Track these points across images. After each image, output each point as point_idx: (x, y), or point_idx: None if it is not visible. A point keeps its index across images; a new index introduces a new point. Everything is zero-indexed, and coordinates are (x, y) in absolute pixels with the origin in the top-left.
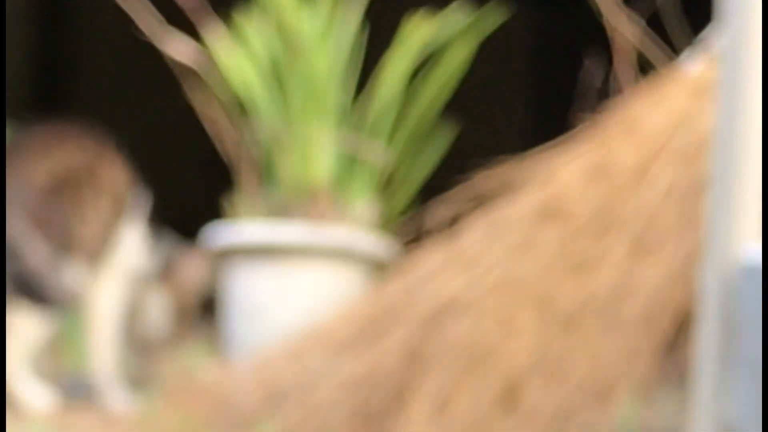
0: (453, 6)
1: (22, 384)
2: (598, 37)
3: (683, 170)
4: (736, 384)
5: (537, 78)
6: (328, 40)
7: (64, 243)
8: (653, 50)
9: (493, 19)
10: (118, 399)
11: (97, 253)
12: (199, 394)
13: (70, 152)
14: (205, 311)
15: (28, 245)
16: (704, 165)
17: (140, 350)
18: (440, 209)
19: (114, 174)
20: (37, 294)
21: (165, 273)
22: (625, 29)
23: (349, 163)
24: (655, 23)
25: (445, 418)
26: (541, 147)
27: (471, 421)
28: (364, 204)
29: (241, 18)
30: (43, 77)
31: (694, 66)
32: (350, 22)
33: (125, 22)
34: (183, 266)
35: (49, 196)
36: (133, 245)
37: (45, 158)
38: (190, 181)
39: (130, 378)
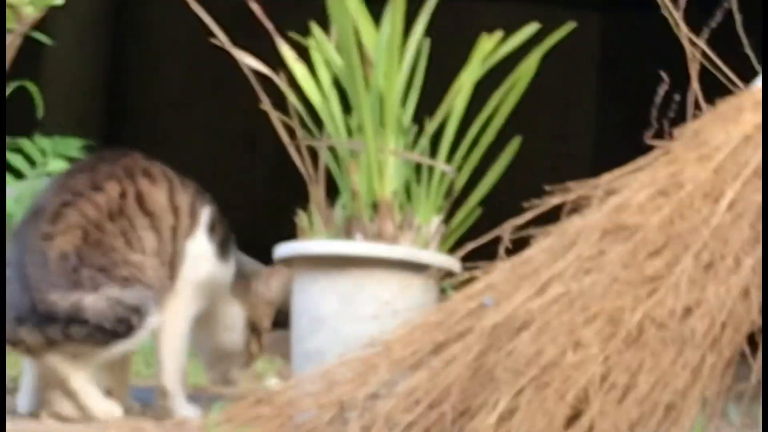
0: (523, 18)
1: (90, 395)
2: (671, 54)
3: (754, 188)
4: None
5: (607, 93)
6: (399, 52)
7: (127, 276)
8: (726, 68)
9: (564, 32)
10: (184, 410)
11: (162, 275)
12: (265, 406)
13: (100, 195)
14: (281, 324)
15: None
16: None
17: (215, 361)
18: (507, 223)
19: (161, 194)
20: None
21: (242, 285)
22: (698, 47)
23: (417, 178)
24: (728, 42)
25: None
26: (610, 162)
27: None
28: (431, 218)
29: (313, 28)
30: (114, 85)
31: None
32: (419, 35)
33: (197, 30)
34: (260, 279)
35: (86, 254)
36: (198, 258)
37: (66, 225)
38: (262, 192)
39: (201, 389)
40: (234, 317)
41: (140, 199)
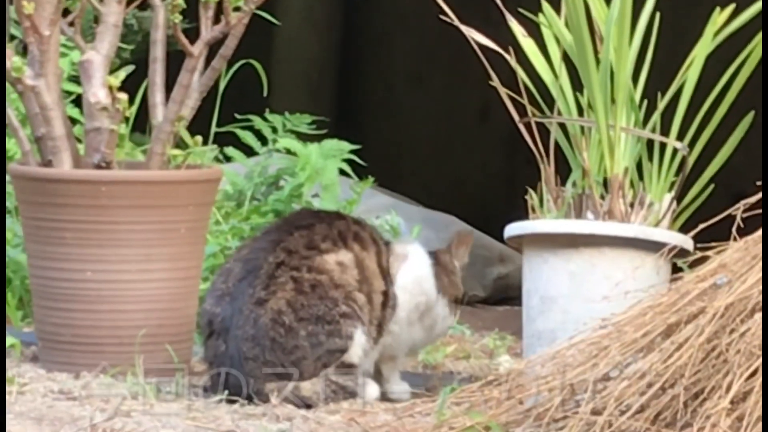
0: None
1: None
2: None
3: None
4: None
5: None
6: (629, 27)
7: (347, 312)
8: None
9: None
10: (396, 387)
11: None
12: (496, 389)
13: (315, 253)
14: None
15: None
16: None
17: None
18: (741, 201)
19: (371, 260)
20: None
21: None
22: None
23: (648, 154)
24: None
25: (742, 419)
26: None
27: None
28: (663, 195)
29: (543, 4)
30: (345, 59)
31: None
32: (650, 9)
33: (427, 2)
34: (450, 257)
35: (301, 303)
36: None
37: (278, 285)
38: (495, 167)
39: (433, 366)
40: (445, 309)
41: (357, 260)
